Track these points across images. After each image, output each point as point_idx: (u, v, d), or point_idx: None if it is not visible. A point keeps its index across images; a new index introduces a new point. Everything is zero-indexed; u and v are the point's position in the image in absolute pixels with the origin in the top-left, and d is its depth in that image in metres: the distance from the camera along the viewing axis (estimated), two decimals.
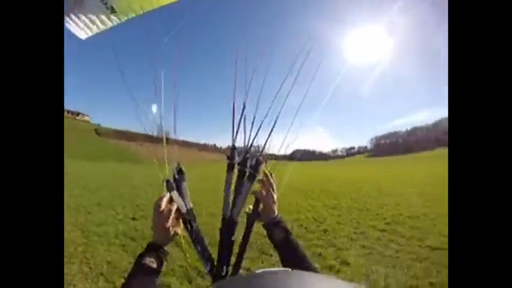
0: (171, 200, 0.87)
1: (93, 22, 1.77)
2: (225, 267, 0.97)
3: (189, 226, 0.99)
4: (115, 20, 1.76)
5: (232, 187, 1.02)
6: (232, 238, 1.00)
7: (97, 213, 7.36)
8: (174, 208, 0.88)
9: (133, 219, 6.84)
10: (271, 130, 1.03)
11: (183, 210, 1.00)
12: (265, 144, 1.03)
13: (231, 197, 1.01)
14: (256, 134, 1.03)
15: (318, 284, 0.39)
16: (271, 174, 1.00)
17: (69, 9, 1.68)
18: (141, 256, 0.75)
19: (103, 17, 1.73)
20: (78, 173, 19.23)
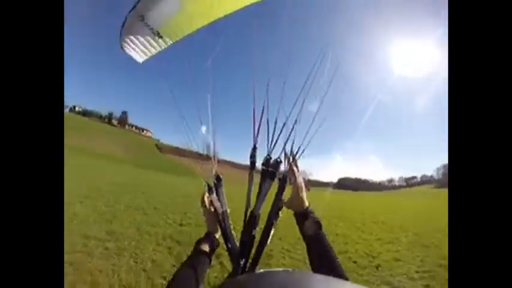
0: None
1: (145, 46, 1.91)
2: (243, 260, 1.03)
3: (223, 224, 1.11)
4: (163, 44, 1.88)
5: (255, 186, 1.13)
6: (253, 232, 1.08)
7: (152, 215, 8.19)
8: (215, 204, 1.10)
9: (181, 225, 7.34)
10: (290, 133, 1.12)
11: (219, 210, 1.14)
12: (284, 145, 1.12)
13: (253, 193, 1.12)
14: (276, 138, 1.13)
15: (318, 285, 0.37)
16: (294, 161, 1.04)
17: (125, 35, 1.82)
18: (198, 242, 0.92)
19: (152, 41, 1.87)
20: (142, 180, 21.92)
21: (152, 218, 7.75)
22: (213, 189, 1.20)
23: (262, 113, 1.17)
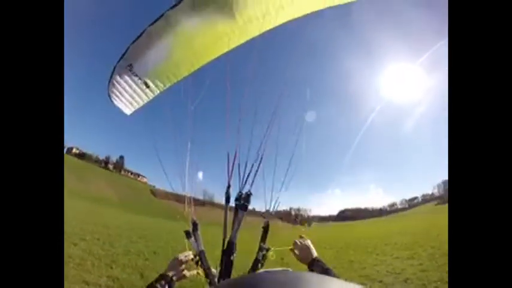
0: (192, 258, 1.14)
1: (133, 97, 1.90)
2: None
3: (203, 262, 1.22)
4: (150, 94, 1.90)
5: (229, 217, 1.30)
6: (232, 257, 1.20)
7: (154, 261, 7.60)
8: (193, 246, 1.25)
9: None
10: (257, 168, 1.35)
11: (197, 250, 1.27)
12: (253, 181, 1.34)
13: (229, 223, 1.27)
14: (247, 176, 1.35)
15: (317, 284, 0.38)
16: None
17: (113, 85, 1.83)
18: (152, 283, 0.95)
19: (140, 91, 1.87)
20: (137, 224, 20.68)
21: (154, 263, 7.18)
22: (191, 233, 1.35)
23: (235, 156, 1.39)
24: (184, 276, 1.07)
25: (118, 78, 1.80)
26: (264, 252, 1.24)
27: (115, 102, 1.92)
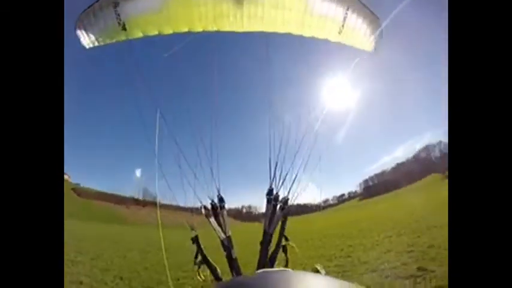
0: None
1: (102, 33, 1.82)
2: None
3: (227, 250, 1.35)
4: (121, 36, 1.82)
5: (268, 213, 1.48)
6: (268, 247, 1.38)
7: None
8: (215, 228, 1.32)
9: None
10: (295, 178, 1.57)
11: (221, 236, 1.35)
12: (290, 188, 1.54)
13: (268, 218, 1.43)
14: (282, 182, 1.56)
15: (315, 283, 0.39)
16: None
17: (83, 17, 1.75)
18: None
19: (112, 31, 1.78)
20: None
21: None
22: (210, 212, 1.43)
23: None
24: None
25: (97, 9, 1.70)
26: (284, 242, 1.44)
27: (78, 31, 1.81)
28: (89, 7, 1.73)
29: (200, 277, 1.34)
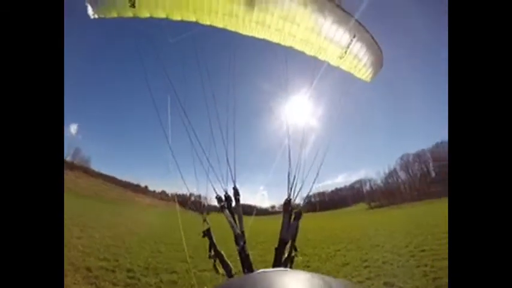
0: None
1: (110, 7, 1.79)
2: None
3: (238, 248, 1.31)
4: (128, 12, 1.79)
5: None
6: (283, 257, 1.37)
7: None
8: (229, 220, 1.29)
9: None
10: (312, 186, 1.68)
11: (236, 231, 1.31)
12: (305, 199, 1.67)
13: (285, 227, 1.42)
14: (300, 189, 1.59)
15: (314, 282, 0.39)
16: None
17: None
18: None
19: (121, 6, 1.76)
20: None
21: None
22: (225, 204, 1.39)
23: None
24: None
25: None
26: (294, 253, 1.45)
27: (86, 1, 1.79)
28: None
29: (218, 271, 1.32)
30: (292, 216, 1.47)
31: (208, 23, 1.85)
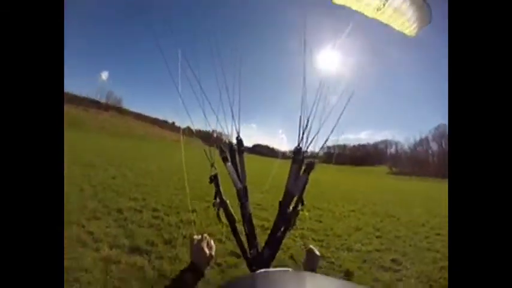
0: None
1: None
2: (282, 228, 1.22)
3: (242, 202, 1.24)
4: None
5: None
6: (288, 211, 1.23)
7: None
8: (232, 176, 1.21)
9: None
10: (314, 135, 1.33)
11: (237, 186, 1.23)
12: (322, 148, 1.42)
13: (292, 179, 1.25)
14: (312, 140, 1.33)
15: (316, 283, 0.39)
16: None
17: None
18: (181, 272, 0.82)
19: None
20: None
21: None
22: (228, 156, 1.25)
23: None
24: (211, 257, 0.97)
25: None
26: (300, 207, 1.26)
27: None
28: None
29: (221, 220, 1.22)
30: (303, 168, 1.29)
31: None
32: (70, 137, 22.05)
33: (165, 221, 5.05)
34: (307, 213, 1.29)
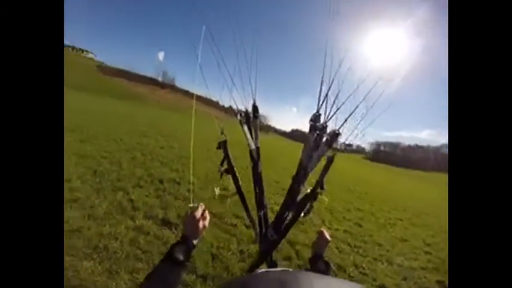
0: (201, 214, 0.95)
1: None
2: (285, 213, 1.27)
3: (254, 162, 1.36)
4: None
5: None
6: (301, 187, 1.25)
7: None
8: (248, 138, 1.33)
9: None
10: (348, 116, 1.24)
11: (251, 146, 1.36)
12: (344, 123, 1.25)
13: (308, 151, 1.25)
14: (334, 113, 1.26)
15: (317, 283, 0.38)
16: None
17: None
18: (172, 248, 0.81)
19: None
20: (81, 105, 18.33)
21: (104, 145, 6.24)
22: (244, 120, 1.37)
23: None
24: (204, 227, 0.95)
25: None
26: (319, 190, 1.21)
27: None
28: None
29: (217, 189, 1.29)
30: (324, 138, 1.25)
31: None
32: (129, 110, 25.18)
33: (198, 195, 5.22)
34: (326, 199, 1.23)
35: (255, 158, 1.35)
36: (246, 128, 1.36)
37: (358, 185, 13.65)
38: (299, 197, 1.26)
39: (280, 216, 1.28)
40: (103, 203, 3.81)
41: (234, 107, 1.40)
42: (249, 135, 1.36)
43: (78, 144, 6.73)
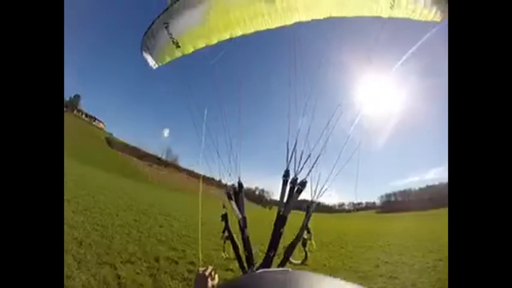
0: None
1: (161, 53, 2.04)
2: (272, 252, 1.41)
3: (243, 230, 1.57)
4: (178, 53, 2.00)
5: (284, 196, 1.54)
6: (281, 230, 1.41)
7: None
8: (235, 212, 1.55)
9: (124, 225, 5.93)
10: (316, 160, 1.55)
11: (239, 217, 1.60)
12: (310, 171, 1.52)
13: (283, 201, 1.50)
14: (301, 166, 1.55)
15: (316, 283, 0.38)
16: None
17: (147, 39, 1.99)
18: None
19: (168, 49, 1.98)
20: (82, 175, 18.58)
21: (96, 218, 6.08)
22: (232, 196, 1.64)
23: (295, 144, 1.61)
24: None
25: (154, 33, 1.96)
26: (306, 235, 1.40)
27: (144, 54, 2.08)
28: (147, 30, 1.98)
29: (224, 253, 1.55)
30: (295, 189, 1.46)
31: (240, 33, 1.94)
32: (131, 187, 25.23)
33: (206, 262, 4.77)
34: (314, 243, 1.38)
35: (241, 226, 1.58)
36: (233, 202, 1.62)
37: (376, 240, 12.41)
38: (281, 241, 1.44)
39: (266, 258, 1.44)
40: (82, 274, 3.45)
41: (223, 183, 1.75)
42: (236, 208, 1.60)
43: (70, 215, 6.55)
